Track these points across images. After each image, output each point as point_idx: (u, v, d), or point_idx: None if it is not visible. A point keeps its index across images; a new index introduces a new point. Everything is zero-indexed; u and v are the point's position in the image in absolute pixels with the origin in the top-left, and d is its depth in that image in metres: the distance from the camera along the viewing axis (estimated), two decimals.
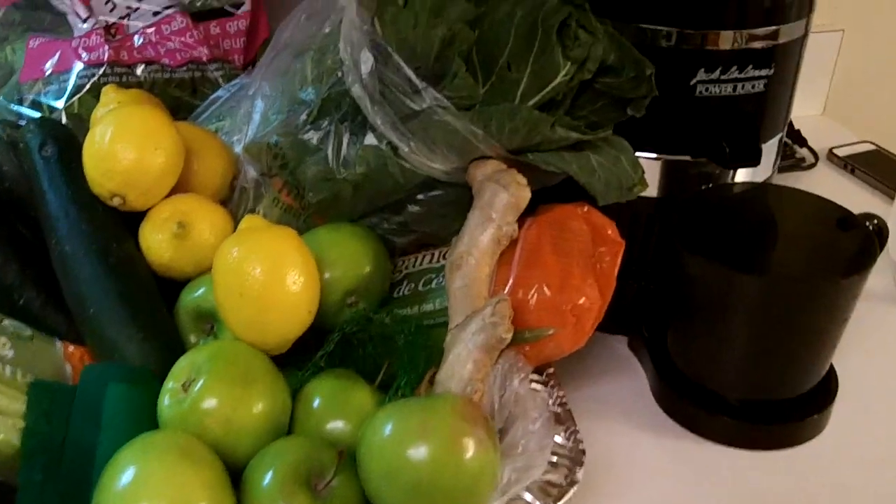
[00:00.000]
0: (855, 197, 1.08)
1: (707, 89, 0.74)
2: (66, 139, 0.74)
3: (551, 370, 0.70)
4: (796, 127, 1.18)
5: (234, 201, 0.76)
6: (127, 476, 0.54)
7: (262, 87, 0.75)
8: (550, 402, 0.68)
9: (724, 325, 0.74)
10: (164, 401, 0.61)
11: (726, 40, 0.74)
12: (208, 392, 0.59)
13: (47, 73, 0.84)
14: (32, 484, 0.58)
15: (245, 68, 0.91)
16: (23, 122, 0.82)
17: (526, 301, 0.66)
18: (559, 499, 0.60)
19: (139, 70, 0.85)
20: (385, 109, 0.67)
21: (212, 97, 0.84)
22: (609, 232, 0.71)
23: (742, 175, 0.81)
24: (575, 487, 0.61)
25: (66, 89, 0.83)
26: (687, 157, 0.78)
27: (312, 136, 0.71)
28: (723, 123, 0.76)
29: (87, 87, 0.83)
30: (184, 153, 0.72)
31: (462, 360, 0.63)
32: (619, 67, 0.69)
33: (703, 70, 0.74)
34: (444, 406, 0.57)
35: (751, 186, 0.81)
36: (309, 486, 0.56)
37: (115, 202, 0.70)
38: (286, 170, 0.72)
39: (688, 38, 0.73)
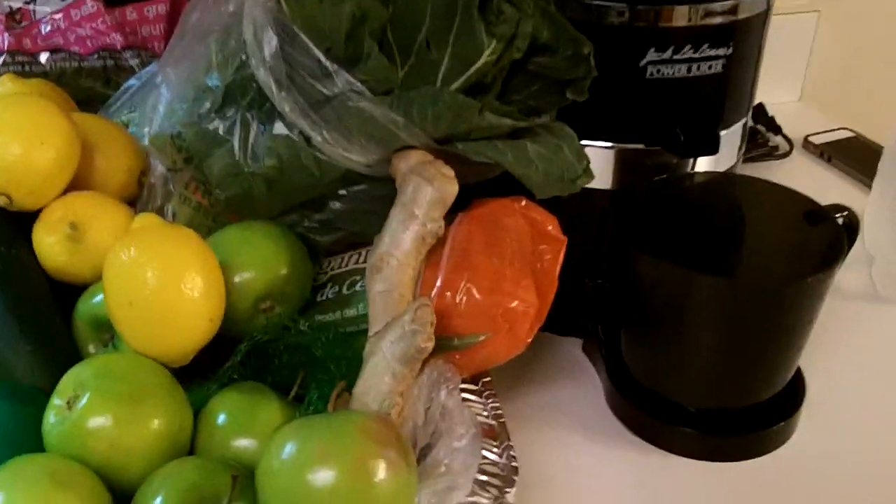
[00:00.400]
0: (831, 186, 1.02)
1: (659, 70, 0.68)
2: None
3: (487, 378, 0.64)
4: (771, 113, 1.11)
5: (142, 199, 0.70)
6: None
7: (168, 74, 0.69)
8: (485, 413, 0.62)
9: (680, 330, 0.68)
10: (49, 419, 0.55)
11: (681, 16, 0.68)
12: (92, 410, 0.53)
13: None
14: None
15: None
16: None
17: (455, 305, 0.60)
18: None
19: (43, 58, 0.79)
20: (293, 95, 0.60)
21: (124, 87, 0.78)
22: (550, 228, 0.64)
23: (703, 164, 0.74)
24: None
25: None
26: (641, 146, 0.72)
27: (219, 126, 0.64)
28: (677, 108, 0.70)
29: None
30: (79, 148, 0.65)
31: (379, 373, 0.56)
32: (553, 46, 0.63)
33: (653, 49, 0.68)
34: (349, 425, 0.50)
35: (710, 177, 0.74)
36: None
37: (1, 202, 0.63)
38: (191, 164, 0.66)
39: (638, 14, 0.67)
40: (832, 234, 0.66)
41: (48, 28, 0.80)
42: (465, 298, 0.60)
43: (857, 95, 1.19)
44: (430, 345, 0.56)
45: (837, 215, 0.68)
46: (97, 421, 0.53)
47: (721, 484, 0.67)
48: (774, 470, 0.68)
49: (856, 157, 1.04)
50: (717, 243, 0.68)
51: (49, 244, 0.64)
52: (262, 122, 0.63)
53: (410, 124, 0.60)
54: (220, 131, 0.64)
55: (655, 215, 0.70)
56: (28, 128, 0.63)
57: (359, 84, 0.59)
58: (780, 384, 0.70)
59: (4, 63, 0.78)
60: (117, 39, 0.82)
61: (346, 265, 0.68)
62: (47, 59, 0.79)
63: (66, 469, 0.51)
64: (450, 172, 0.61)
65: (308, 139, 0.62)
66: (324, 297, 0.67)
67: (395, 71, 0.60)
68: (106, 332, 0.63)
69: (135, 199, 0.70)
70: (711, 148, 0.70)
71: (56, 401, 0.55)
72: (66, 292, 0.66)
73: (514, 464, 0.58)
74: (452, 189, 0.61)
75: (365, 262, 0.67)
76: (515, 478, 0.57)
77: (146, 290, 0.56)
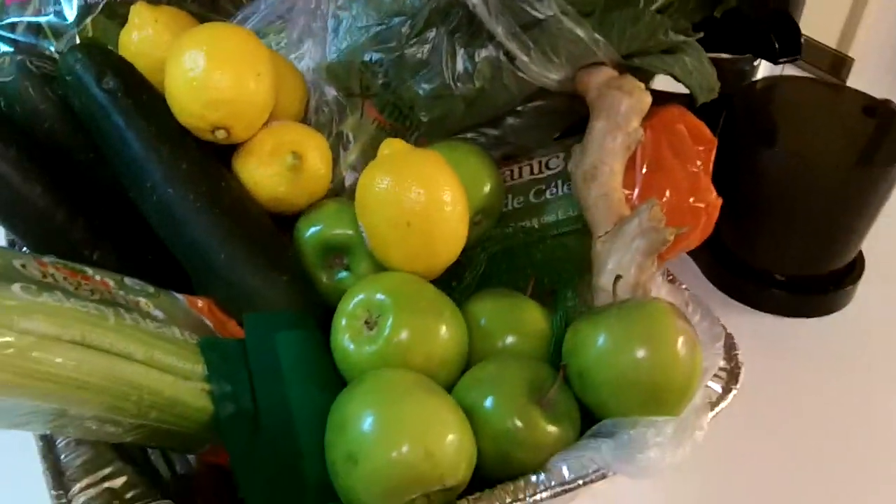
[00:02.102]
0: None
1: None
2: (126, 69, 0.65)
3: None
4: None
5: (310, 124, 0.70)
6: (374, 419, 0.51)
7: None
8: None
9: (777, 210, 0.80)
10: (344, 341, 0.58)
11: None
12: (402, 327, 0.57)
13: None
14: (242, 450, 0.54)
15: None
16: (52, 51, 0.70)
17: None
18: (735, 379, 0.63)
19: None
20: (506, 18, 0.64)
21: (244, 12, 0.75)
22: (703, 130, 0.73)
23: (764, 70, 0.86)
24: (743, 368, 0.64)
25: (71, 10, 0.72)
26: (728, 55, 0.82)
27: (417, 51, 0.67)
28: (767, 22, 0.80)
29: (100, 6, 0.72)
30: (277, 78, 0.65)
31: (626, 266, 0.63)
32: None
33: None
34: (659, 310, 0.57)
35: (784, 80, 0.86)
36: (534, 401, 0.56)
37: (220, 135, 0.62)
38: (388, 89, 0.67)
39: None
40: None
41: None
42: (669, 196, 0.68)
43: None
44: (673, 237, 0.64)
45: (888, 107, 0.82)
46: (411, 336, 0.57)
47: (802, 335, 0.82)
48: (841, 325, 0.84)
49: (811, 55, 1.16)
50: (803, 135, 0.80)
51: (268, 175, 0.64)
52: (467, 45, 0.66)
53: (609, 43, 0.66)
54: (419, 55, 0.67)
55: (756, 114, 0.81)
56: (245, 60, 0.62)
57: (568, 7, 0.64)
58: (849, 257, 0.84)
59: None
60: None
61: (521, 177, 0.73)
62: None
63: (423, 378, 0.55)
64: (642, 85, 0.68)
65: (513, 59, 0.66)
66: (510, 207, 0.72)
67: None
68: (334, 257, 0.65)
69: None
70: (798, 52, 0.81)
71: (344, 322, 0.58)
72: None
73: (728, 330, 0.67)
74: (648, 99, 0.68)
75: (539, 172, 0.73)
76: (735, 342, 0.66)
77: (421, 210, 0.59)
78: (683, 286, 0.71)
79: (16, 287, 0.47)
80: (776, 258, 0.83)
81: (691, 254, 0.87)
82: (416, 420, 0.51)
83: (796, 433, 0.75)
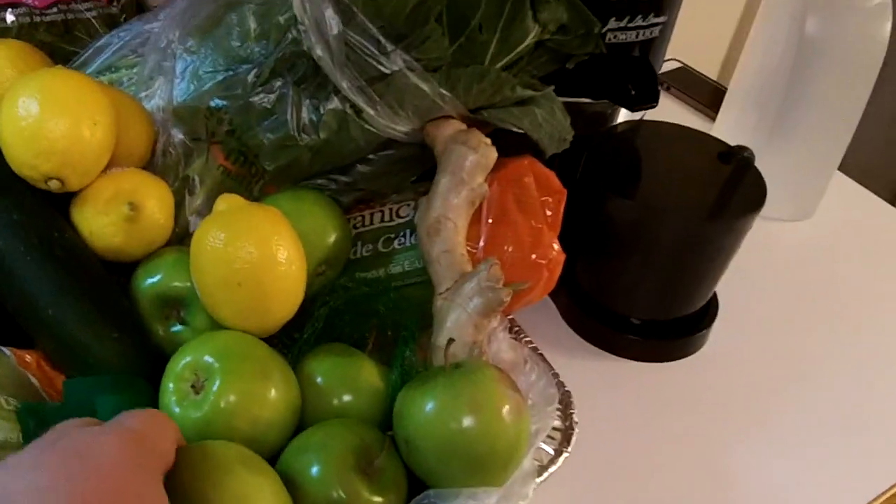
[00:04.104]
0: (676, 115, 1.15)
1: (615, 36, 0.79)
2: None
3: (511, 316, 0.73)
4: None
5: (157, 167, 0.69)
6: None
7: (184, 40, 0.68)
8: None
9: (631, 257, 0.82)
10: (171, 405, 0.57)
11: None
12: (229, 391, 0.56)
13: None
14: None
15: (111, 5, 0.80)
16: None
17: (501, 259, 0.68)
18: (567, 441, 0.64)
19: (9, 17, 0.72)
20: (351, 72, 0.64)
21: (96, 45, 0.73)
22: (552, 181, 0.74)
23: (624, 115, 0.87)
24: (577, 428, 0.66)
25: None
26: (586, 100, 0.82)
27: (263, 99, 0.66)
28: (626, 68, 0.81)
29: None
30: (117, 122, 0.64)
31: (463, 325, 0.64)
32: (569, 26, 0.71)
33: (614, 19, 0.78)
34: (486, 377, 0.58)
35: (638, 125, 0.87)
36: (359, 470, 0.56)
37: (53, 185, 0.61)
38: (233, 136, 0.67)
39: None
40: (749, 176, 0.81)
41: None
42: (511, 251, 0.69)
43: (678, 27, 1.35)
44: (509, 298, 0.64)
45: (743, 154, 0.84)
46: (237, 401, 0.56)
47: (657, 379, 0.84)
48: (694, 368, 0.86)
49: (690, 86, 1.20)
50: (657, 182, 0.81)
51: (104, 225, 0.63)
52: (312, 96, 0.66)
53: (455, 98, 0.66)
54: (266, 104, 0.66)
55: (606, 159, 0.82)
56: (80, 107, 0.60)
57: (415, 62, 0.64)
58: (702, 302, 0.87)
59: None
60: None
61: (372, 223, 0.73)
62: (11, 16, 0.72)
63: (242, 452, 0.53)
64: (488, 140, 0.68)
65: (359, 112, 0.66)
66: (358, 255, 0.72)
67: (447, 49, 0.66)
68: (171, 309, 0.65)
69: (147, 167, 0.69)
70: (654, 100, 0.82)
71: (172, 385, 0.57)
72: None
73: (566, 388, 0.69)
74: (493, 155, 0.68)
75: (389, 219, 0.73)
76: (572, 400, 0.68)
77: (251, 269, 0.59)
78: (526, 339, 0.72)
79: None
80: (631, 303, 0.85)
81: (551, 296, 0.89)
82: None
83: (640, 478, 0.75)
